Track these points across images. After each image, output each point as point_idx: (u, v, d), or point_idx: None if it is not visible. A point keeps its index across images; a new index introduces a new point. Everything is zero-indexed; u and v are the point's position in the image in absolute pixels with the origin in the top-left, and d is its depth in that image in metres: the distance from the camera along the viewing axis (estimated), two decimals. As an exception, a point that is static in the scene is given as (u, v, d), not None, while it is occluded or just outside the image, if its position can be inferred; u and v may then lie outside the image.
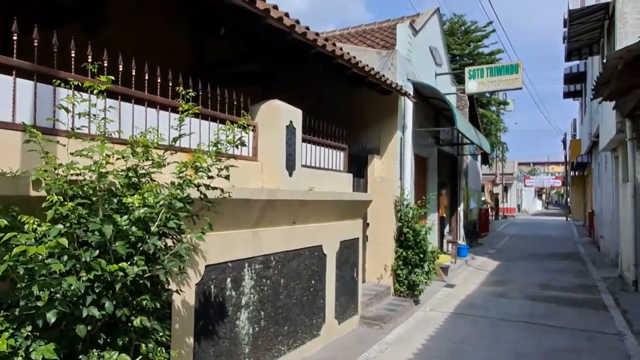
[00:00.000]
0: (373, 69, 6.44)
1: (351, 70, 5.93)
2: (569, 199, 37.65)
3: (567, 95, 24.92)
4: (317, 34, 4.94)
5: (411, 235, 7.24)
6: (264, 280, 4.29)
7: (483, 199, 33.84)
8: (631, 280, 8.99)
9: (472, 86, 9.87)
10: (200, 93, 3.79)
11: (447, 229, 13.10)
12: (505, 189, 43.21)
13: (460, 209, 13.49)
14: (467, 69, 9.96)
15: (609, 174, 13.36)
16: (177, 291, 2.93)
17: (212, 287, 3.69)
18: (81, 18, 5.36)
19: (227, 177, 2.75)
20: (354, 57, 5.82)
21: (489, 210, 34.16)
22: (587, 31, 12.01)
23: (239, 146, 3.01)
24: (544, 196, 68.39)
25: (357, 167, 7.37)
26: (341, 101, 7.93)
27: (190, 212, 2.54)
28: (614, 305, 7.65)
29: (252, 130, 4.52)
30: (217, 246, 3.68)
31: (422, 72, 9.36)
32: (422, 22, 9.43)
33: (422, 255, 7.24)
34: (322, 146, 5.65)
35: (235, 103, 4.15)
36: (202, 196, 2.71)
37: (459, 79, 14.68)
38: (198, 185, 2.62)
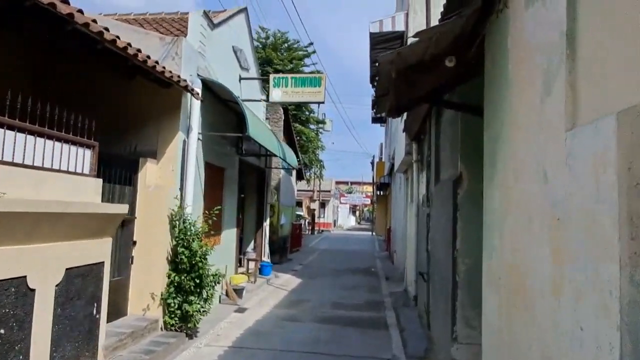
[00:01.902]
0: (139, 51, 5.16)
1: (103, 45, 4.56)
2: (375, 216, 41.44)
3: (374, 120, 27.25)
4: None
5: (186, 256, 6.07)
6: None
7: (300, 213, 34.82)
8: (412, 296, 9.42)
9: (277, 95, 9.33)
10: None
11: (251, 246, 12.34)
12: (323, 205, 45.61)
13: (267, 224, 12.90)
14: (271, 76, 9.40)
15: (402, 193, 14.46)
16: None
17: None
18: None
19: None
20: (107, 31, 4.48)
21: (306, 224, 35.29)
22: (387, 58, 12.77)
23: None
24: (357, 213, 74.84)
25: (125, 172, 5.94)
26: (113, 93, 6.43)
27: None
28: (395, 323, 7.71)
29: None
30: None
31: (224, 73, 8.42)
32: (224, 17, 8.53)
33: (198, 280, 6.12)
34: (45, 137, 4.11)
35: None
36: None
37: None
38: None
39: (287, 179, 18.95)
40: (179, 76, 6.10)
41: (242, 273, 10.48)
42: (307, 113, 27.17)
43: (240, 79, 9.62)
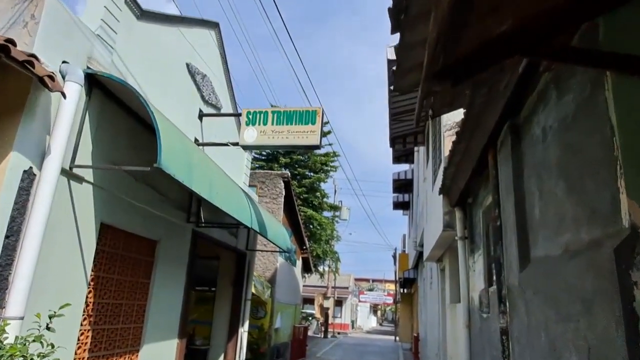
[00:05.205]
0: None
1: None
2: (398, 318, 36.27)
3: (396, 205, 23.99)
4: None
5: None
6: None
7: (312, 312, 30.29)
8: None
9: (250, 135, 6.30)
10: None
11: (218, 364, 8.53)
12: (340, 303, 40.67)
13: (244, 330, 9.13)
14: (245, 110, 6.46)
15: (435, 291, 10.65)
16: None
17: None
18: None
19: None
20: None
21: (318, 326, 30.48)
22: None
23: None
24: (379, 312, 68.27)
25: None
26: None
27: None
28: None
29: None
30: None
31: (163, 96, 5.52)
32: (173, 15, 5.81)
33: None
34: None
35: None
36: None
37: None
38: None
39: (287, 270, 15.29)
40: (8, 40, 3.10)
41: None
42: (319, 198, 24.19)
43: (201, 114, 6.70)
